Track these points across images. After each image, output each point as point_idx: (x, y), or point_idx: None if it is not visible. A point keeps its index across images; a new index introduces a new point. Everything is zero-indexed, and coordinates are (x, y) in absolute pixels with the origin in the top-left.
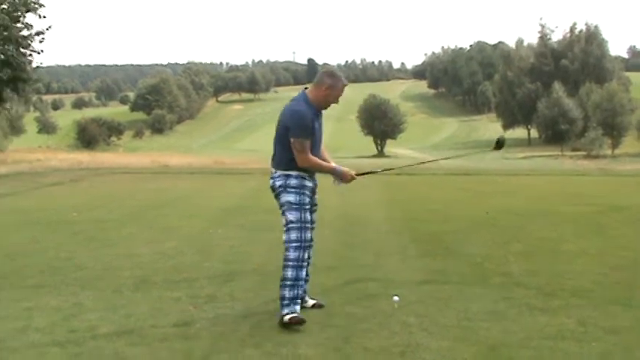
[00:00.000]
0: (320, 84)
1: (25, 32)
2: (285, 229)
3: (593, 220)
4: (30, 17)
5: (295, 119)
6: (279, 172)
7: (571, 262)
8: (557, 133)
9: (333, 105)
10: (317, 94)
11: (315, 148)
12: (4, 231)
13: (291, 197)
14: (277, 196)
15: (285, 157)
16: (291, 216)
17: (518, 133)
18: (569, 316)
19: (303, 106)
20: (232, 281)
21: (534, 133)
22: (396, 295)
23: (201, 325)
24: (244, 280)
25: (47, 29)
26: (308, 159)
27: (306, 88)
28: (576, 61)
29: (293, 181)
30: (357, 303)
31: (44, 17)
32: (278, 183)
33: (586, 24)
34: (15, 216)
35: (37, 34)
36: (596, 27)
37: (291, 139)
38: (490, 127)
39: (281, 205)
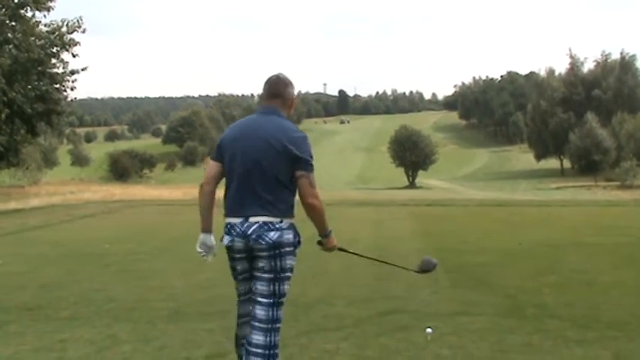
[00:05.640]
0: (291, 97)
1: (60, 69)
2: (270, 300)
3: (628, 252)
4: (65, 54)
5: (309, 145)
6: (287, 221)
7: (606, 293)
8: (590, 164)
9: (364, 136)
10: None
11: None
12: (38, 263)
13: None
14: (276, 257)
15: (289, 197)
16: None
17: (551, 163)
18: (605, 348)
19: None
20: None
21: (567, 163)
22: (429, 327)
23: (234, 357)
24: None
25: (82, 70)
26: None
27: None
28: (609, 90)
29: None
30: (391, 335)
31: (77, 55)
32: (290, 237)
33: (621, 53)
34: (48, 248)
35: (72, 73)
36: (632, 56)
37: (303, 173)
38: (522, 157)
39: (282, 270)
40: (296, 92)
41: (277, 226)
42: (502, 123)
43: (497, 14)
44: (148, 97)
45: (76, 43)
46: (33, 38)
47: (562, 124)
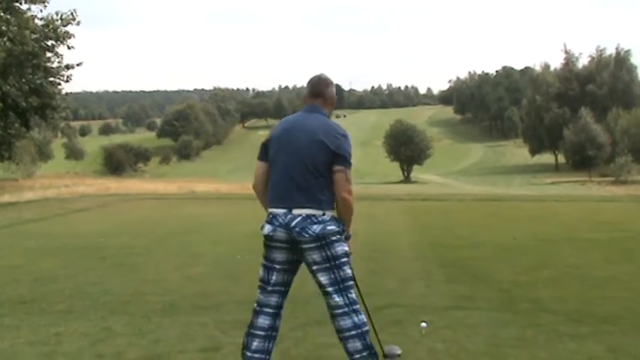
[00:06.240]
0: (332, 96)
1: (55, 63)
2: (335, 288)
3: (622, 247)
4: (59, 47)
5: (349, 144)
6: (328, 214)
7: (600, 288)
8: (584, 159)
9: (359, 130)
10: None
11: None
12: (33, 256)
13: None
14: (324, 247)
15: (331, 192)
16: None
17: (546, 158)
18: (599, 342)
19: None
20: None
21: (561, 158)
22: (424, 322)
23: (228, 350)
24: None
25: (78, 65)
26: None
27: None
28: (605, 85)
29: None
30: (385, 329)
31: (72, 48)
32: (332, 227)
33: (616, 48)
34: (43, 241)
35: (67, 67)
36: (627, 51)
37: (341, 168)
38: (517, 152)
39: (335, 258)
40: (298, 85)
41: (320, 219)
42: (497, 118)
43: (492, 9)
44: (143, 91)
45: (70, 36)
46: (28, 31)
47: (557, 120)
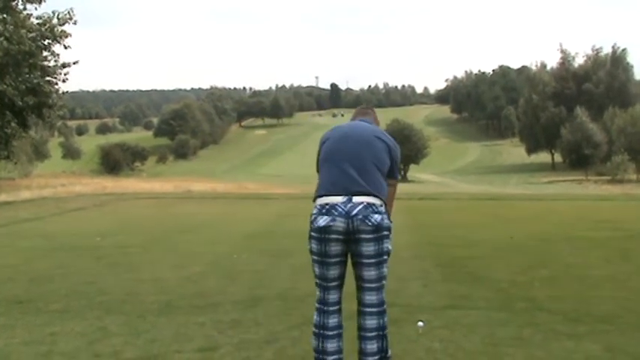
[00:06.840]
0: (376, 117)
1: (51, 62)
2: (379, 284)
3: (619, 246)
4: (56, 46)
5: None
6: (384, 207)
7: (597, 287)
8: (581, 158)
9: None
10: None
11: None
12: (29, 256)
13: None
14: (378, 240)
15: (386, 186)
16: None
17: (542, 157)
18: (596, 341)
19: None
20: (256, 306)
21: (558, 157)
22: (420, 321)
23: (225, 351)
24: (268, 306)
25: (74, 63)
26: None
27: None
28: (601, 84)
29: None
30: None
31: (69, 47)
32: (387, 221)
33: (612, 47)
34: (39, 241)
35: (64, 66)
36: (623, 50)
37: (394, 182)
38: (513, 151)
39: (382, 254)
40: (295, 85)
41: (379, 209)
42: (494, 117)
43: (489, 8)
44: (140, 90)
45: (67, 35)
46: (24, 30)
47: (553, 119)
